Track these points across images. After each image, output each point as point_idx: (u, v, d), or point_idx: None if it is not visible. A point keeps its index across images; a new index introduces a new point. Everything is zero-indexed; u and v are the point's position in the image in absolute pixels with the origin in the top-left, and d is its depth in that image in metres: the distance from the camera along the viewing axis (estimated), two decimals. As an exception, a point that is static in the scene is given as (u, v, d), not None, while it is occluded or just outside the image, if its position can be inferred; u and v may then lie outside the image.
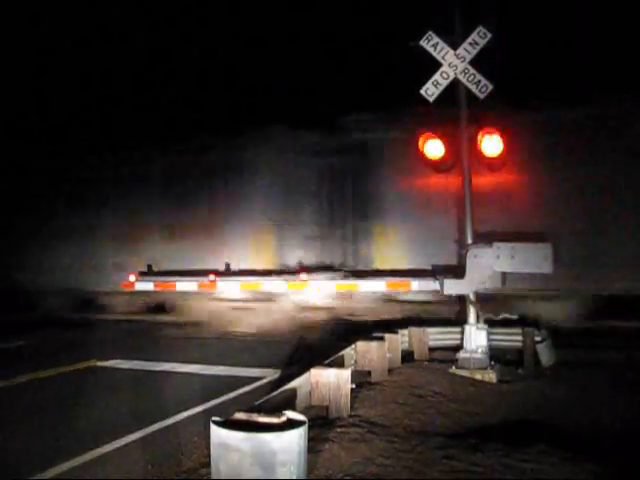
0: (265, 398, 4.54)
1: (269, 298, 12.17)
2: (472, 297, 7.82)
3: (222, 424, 3.42)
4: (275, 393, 4.74)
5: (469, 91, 7.88)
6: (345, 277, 10.98)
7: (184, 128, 14.71)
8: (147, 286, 12.46)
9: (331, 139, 12.71)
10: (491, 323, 8.10)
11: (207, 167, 13.88)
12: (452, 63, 7.85)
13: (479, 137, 8.32)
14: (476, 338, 7.71)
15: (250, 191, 13.38)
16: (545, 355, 8.14)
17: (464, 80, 7.83)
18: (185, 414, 5.97)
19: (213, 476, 3.42)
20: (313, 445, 4.29)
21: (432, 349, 8.58)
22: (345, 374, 5.51)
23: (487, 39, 7.75)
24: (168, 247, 14.06)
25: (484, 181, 9.83)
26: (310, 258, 12.76)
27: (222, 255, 13.28)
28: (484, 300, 8.21)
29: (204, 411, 6.03)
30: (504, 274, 7.70)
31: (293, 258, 12.88)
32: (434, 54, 7.94)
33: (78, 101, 17.37)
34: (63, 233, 15.14)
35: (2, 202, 15.85)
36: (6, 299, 14.08)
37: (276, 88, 15.56)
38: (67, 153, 15.20)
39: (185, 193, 14.07)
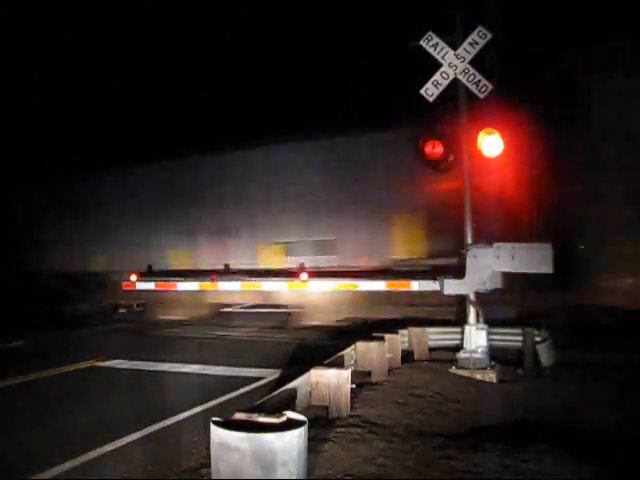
0: (265, 398, 4.54)
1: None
2: (472, 297, 7.81)
3: (222, 424, 3.42)
4: (275, 393, 4.74)
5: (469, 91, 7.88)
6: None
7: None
8: (148, 286, 12.51)
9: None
10: (491, 323, 8.09)
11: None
12: (452, 63, 7.85)
13: (479, 137, 8.29)
14: (476, 338, 7.70)
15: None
16: (545, 355, 8.13)
17: (464, 80, 7.83)
18: (185, 414, 5.98)
19: (213, 476, 3.43)
20: (313, 445, 4.29)
21: (432, 349, 8.58)
22: (345, 374, 5.51)
23: (487, 39, 7.75)
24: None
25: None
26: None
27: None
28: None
29: (204, 411, 6.03)
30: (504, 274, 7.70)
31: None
32: (434, 54, 7.93)
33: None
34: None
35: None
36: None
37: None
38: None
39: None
